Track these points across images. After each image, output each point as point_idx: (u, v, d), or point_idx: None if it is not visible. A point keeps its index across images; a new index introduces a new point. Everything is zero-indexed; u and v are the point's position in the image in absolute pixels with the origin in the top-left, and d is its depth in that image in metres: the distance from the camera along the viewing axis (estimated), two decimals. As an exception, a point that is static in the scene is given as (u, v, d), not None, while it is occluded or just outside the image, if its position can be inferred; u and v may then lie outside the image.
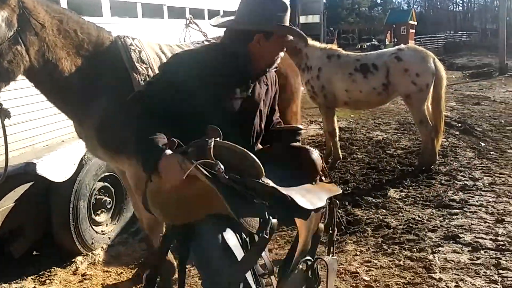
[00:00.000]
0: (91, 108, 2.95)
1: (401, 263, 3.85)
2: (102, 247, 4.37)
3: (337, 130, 6.69)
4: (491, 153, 7.21)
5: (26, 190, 3.76)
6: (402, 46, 6.67)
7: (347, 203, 5.14)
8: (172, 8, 6.24)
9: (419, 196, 5.37)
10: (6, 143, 2.83)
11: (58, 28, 2.79)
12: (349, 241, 4.32)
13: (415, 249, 4.06)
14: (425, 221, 4.63)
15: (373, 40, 46.11)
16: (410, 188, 5.67)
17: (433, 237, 4.28)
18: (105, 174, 4.37)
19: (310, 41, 6.59)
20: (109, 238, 4.49)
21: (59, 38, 2.77)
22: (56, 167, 3.78)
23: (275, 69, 2.42)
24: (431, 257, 3.91)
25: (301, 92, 3.95)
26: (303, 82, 6.68)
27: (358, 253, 4.09)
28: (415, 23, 40.01)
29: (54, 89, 2.90)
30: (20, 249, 3.88)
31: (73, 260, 4.13)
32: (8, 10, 2.52)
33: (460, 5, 71.56)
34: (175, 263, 3.16)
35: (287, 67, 3.84)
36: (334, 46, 6.68)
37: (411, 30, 38.01)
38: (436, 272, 3.66)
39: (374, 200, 5.23)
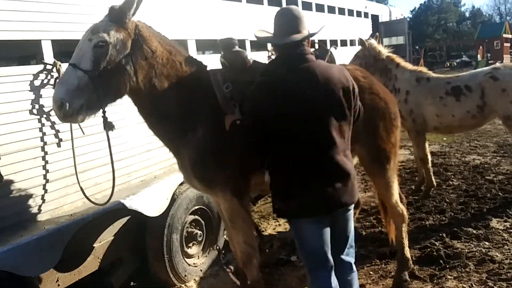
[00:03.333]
0: (187, 139, 3.08)
1: (511, 303, 3.52)
2: (194, 279, 4.47)
3: (429, 156, 6.35)
4: None
5: (124, 225, 3.97)
6: (498, 64, 6.25)
7: (444, 235, 4.81)
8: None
9: (526, 226, 4.89)
10: (111, 154, 3.06)
11: (167, 58, 3.02)
12: (449, 277, 4.02)
13: (525, 287, 3.69)
14: (535, 255, 4.21)
15: (463, 56, 43.90)
16: (516, 217, 5.19)
17: (546, 273, 3.87)
18: (196, 207, 4.49)
19: (402, 62, 6.40)
20: (201, 270, 4.58)
21: (166, 68, 3.00)
22: (151, 202, 3.95)
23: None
24: (545, 296, 3.54)
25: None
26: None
27: (460, 290, 3.81)
28: (510, 36, 37.56)
29: (155, 115, 3.08)
30: (119, 279, 4.08)
31: (167, 292, 4.25)
32: (124, 33, 2.82)
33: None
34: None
35: (385, 94, 3.76)
36: (424, 69, 6.41)
37: (505, 44, 35.73)
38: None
39: (475, 232, 4.85)
